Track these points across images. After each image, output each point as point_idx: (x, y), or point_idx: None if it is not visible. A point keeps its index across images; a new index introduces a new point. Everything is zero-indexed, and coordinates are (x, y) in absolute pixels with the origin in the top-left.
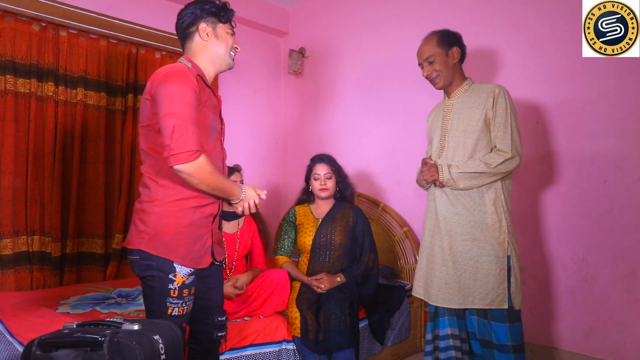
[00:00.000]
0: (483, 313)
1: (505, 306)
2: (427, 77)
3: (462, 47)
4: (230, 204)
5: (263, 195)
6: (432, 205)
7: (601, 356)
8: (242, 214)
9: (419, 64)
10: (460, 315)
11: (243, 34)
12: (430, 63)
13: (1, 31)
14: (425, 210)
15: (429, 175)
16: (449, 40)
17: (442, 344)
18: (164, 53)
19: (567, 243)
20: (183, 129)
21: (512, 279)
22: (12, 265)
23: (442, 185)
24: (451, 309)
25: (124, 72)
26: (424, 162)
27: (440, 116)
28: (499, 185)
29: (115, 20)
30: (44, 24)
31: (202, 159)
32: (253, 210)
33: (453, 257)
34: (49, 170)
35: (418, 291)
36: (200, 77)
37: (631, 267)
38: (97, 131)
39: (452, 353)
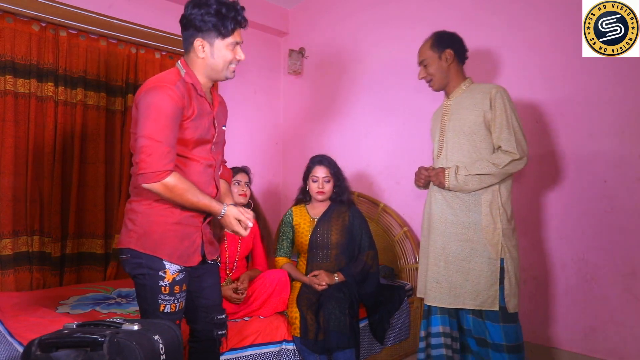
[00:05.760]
0: (478, 312)
1: (496, 308)
2: (422, 80)
3: (459, 49)
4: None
5: (249, 221)
6: (428, 206)
7: (601, 356)
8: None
9: (419, 65)
10: (452, 314)
11: (243, 34)
12: (425, 66)
13: (1, 31)
14: (422, 210)
15: (436, 180)
16: (442, 42)
17: (434, 341)
18: (163, 53)
19: (567, 243)
20: (152, 148)
21: (506, 282)
22: (12, 265)
23: (448, 189)
24: (443, 307)
25: (123, 72)
26: (420, 171)
27: (439, 117)
28: (496, 187)
29: (115, 21)
30: (43, 24)
31: (170, 179)
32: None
33: (445, 257)
34: (49, 170)
35: (421, 290)
36: (193, 85)
37: (631, 267)
38: (97, 131)
39: (443, 351)
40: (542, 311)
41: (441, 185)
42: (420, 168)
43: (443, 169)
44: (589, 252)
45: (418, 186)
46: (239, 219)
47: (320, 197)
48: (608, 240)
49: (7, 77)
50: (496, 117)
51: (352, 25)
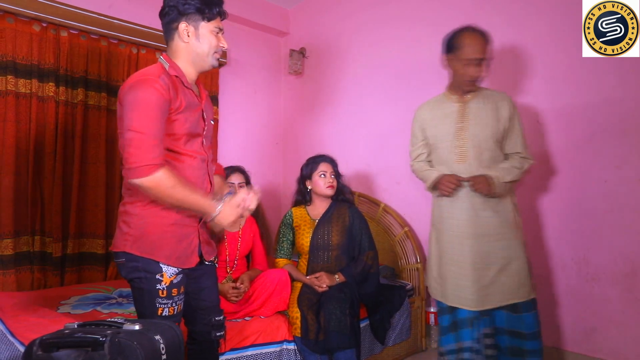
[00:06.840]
0: (512, 307)
1: (534, 295)
2: (471, 77)
3: None
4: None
5: (253, 201)
6: (456, 212)
7: (601, 356)
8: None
9: (468, 59)
10: (489, 313)
11: (243, 34)
12: (480, 64)
13: (2, 32)
14: (437, 218)
15: (483, 189)
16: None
17: (477, 346)
18: (164, 53)
19: (567, 243)
20: (140, 142)
21: (532, 270)
22: (13, 265)
23: (493, 196)
24: (484, 310)
25: (124, 72)
26: (451, 180)
27: (452, 118)
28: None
29: (115, 21)
30: (44, 25)
31: (160, 174)
32: (251, 208)
33: (487, 259)
34: (50, 170)
35: (453, 300)
36: (179, 78)
37: (631, 267)
38: (98, 131)
39: (486, 351)
40: (543, 311)
41: (489, 194)
42: (450, 176)
43: (485, 177)
44: (589, 252)
45: (442, 195)
46: (237, 204)
47: (330, 191)
48: (608, 240)
49: (9, 77)
50: (514, 125)
51: (352, 25)
